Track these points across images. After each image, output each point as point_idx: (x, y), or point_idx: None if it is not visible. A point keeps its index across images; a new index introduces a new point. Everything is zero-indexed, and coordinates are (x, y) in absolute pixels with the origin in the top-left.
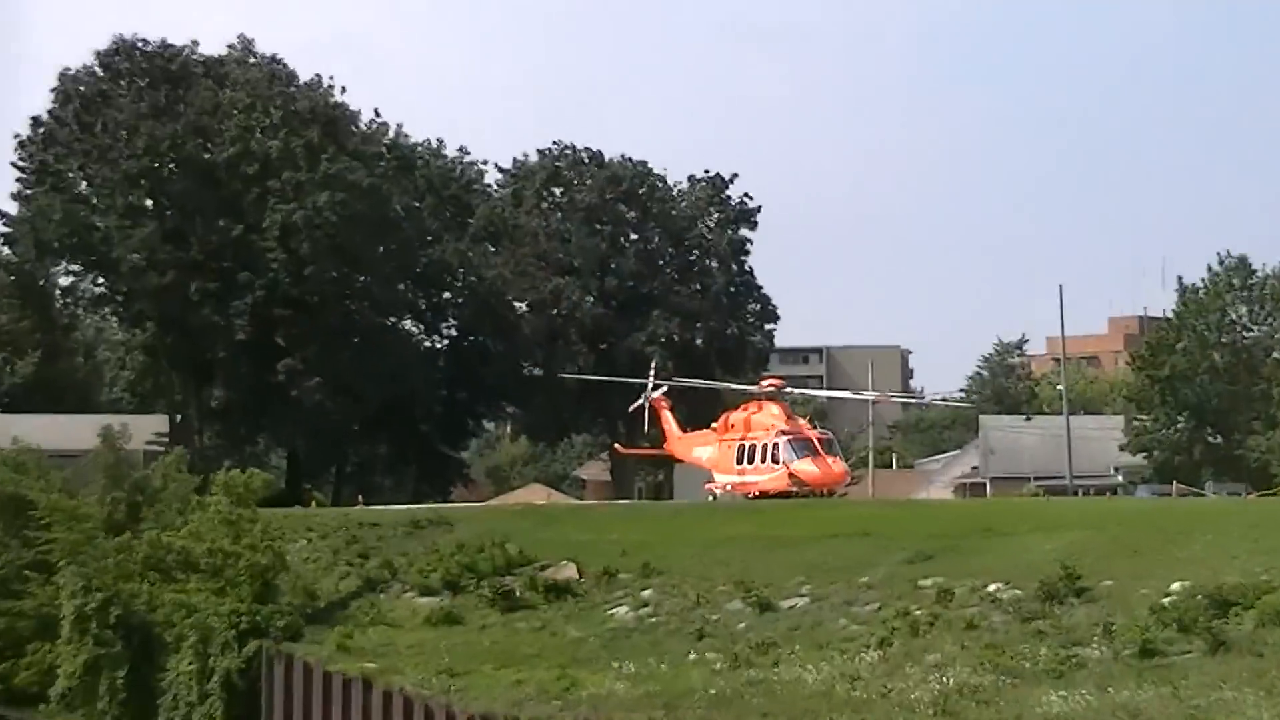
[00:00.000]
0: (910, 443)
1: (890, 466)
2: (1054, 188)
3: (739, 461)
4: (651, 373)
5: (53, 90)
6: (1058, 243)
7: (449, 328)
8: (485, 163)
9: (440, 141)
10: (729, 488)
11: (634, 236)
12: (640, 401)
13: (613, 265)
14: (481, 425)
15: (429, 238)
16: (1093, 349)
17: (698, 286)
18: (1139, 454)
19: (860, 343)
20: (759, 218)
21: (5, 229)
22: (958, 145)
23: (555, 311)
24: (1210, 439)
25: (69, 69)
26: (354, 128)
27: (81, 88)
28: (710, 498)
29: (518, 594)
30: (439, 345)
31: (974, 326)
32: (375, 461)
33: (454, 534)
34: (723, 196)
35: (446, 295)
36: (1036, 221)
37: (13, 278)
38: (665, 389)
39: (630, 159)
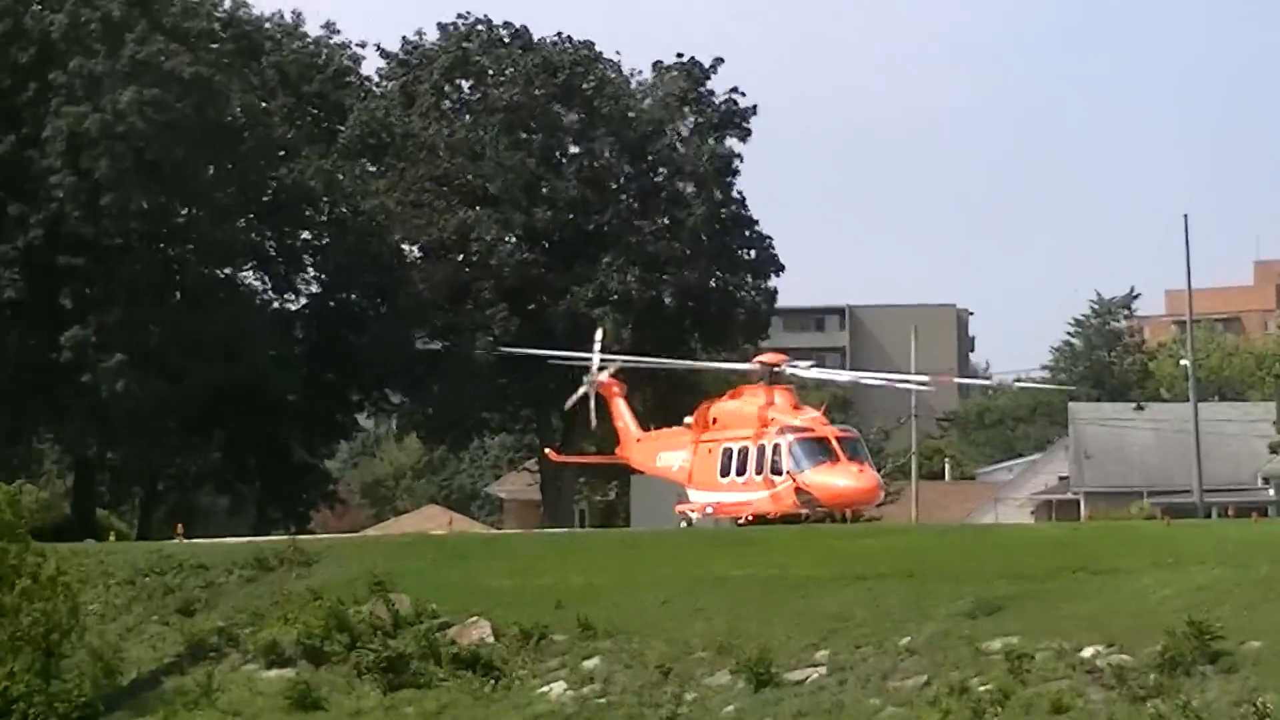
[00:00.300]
0: (971, 443)
1: (942, 477)
2: (1164, 94)
3: (724, 472)
4: (598, 345)
5: None
6: (1179, 163)
7: (309, 281)
8: (363, 45)
9: (298, 16)
10: (710, 509)
11: (575, 150)
12: (583, 389)
13: (545, 191)
14: (355, 422)
15: (281, 153)
16: (1233, 306)
17: (666, 221)
18: None
19: (898, 301)
20: (753, 123)
21: None
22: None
23: (462, 258)
24: None
25: None
26: None
27: None
28: (684, 523)
29: (407, 664)
30: (295, 307)
31: (1059, 279)
32: (203, 474)
33: (316, 577)
34: (701, 92)
35: (306, 235)
36: (1146, 137)
37: None
38: (619, 369)
39: (569, 39)
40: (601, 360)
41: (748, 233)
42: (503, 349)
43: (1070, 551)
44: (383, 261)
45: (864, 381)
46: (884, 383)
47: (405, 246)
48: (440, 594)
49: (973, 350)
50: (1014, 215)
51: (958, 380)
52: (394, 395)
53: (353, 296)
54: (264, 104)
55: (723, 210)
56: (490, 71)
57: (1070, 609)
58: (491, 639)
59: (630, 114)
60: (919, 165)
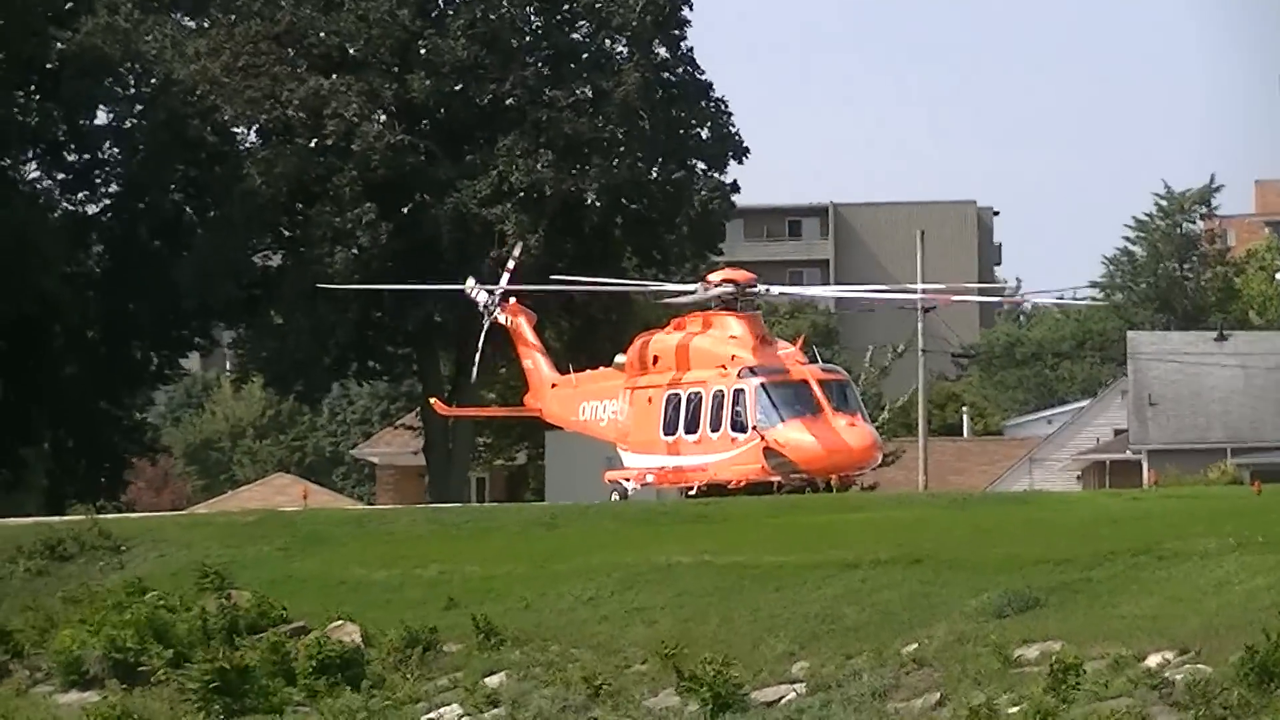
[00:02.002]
0: (998, 386)
1: (959, 432)
2: None
3: (670, 427)
4: (513, 260)
5: None
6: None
7: (109, 178)
8: None
9: None
10: (650, 477)
11: None
12: (484, 319)
13: (423, 52)
14: (175, 364)
15: (69, 4)
16: None
17: (588, 91)
18: None
19: (898, 198)
20: None
21: None
22: None
23: (314, 143)
24: None
25: None
26: None
27: None
28: (615, 495)
29: (251, 683)
30: (92, 211)
31: (1111, 170)
32: None
33: (128, 569)
34: None
35: (103, 116)
36: None
37: None
38: (525, 293)
39: None
40: (505, 285)
41: (699, 104)
42: (370, 277)
43: (1129, 529)
44: (206, 149)
45: (853, 298)
46: (880, 300)
47: (236, 129)
48: (293, 590)
49: (999, 263)
50: (1053, 88)
51: (977, 299)
52: (225, 329)
53: (167, 196)
54: None
55: (665, 75)
56: None
57: (1129, 605)
58: (361, 645)
59: None
60: (929, 19)
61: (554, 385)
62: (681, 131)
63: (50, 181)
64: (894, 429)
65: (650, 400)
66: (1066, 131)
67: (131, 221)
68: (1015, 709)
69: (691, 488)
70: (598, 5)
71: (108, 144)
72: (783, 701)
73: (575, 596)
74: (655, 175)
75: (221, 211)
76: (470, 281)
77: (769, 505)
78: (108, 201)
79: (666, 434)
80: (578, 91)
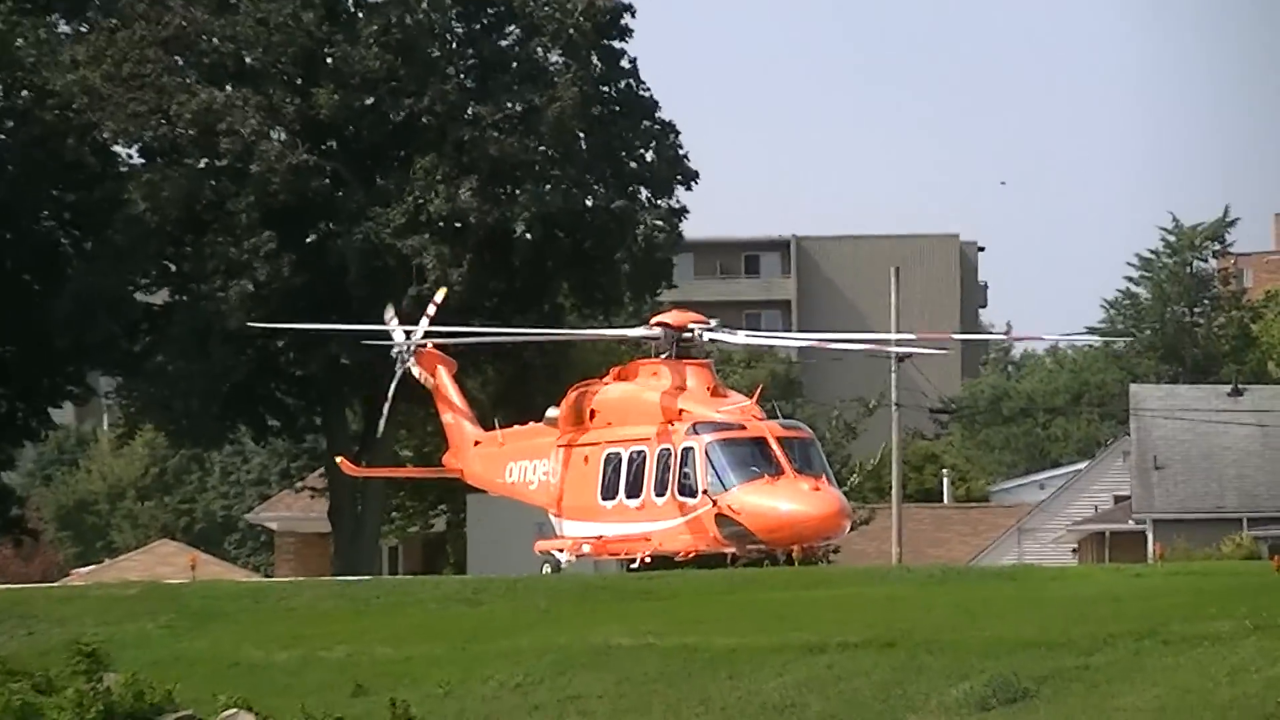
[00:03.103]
0: (982, 446)
1: (939, 497)
2: None
3: (609, 491)
4: (430, 306)
5: None
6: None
7: None
8: None
9: None
10: (587, 547)
11: None
12: (397, 368)
13: (330, 61)
14: (47, 418)
15: None
16: None
17: (517, 106)
18: None
19: (870, 230)
20: None
21: None
22: None
23: (205, 164)
24: None
25: None
26: None
27: None
28: (547, 567)
29: None
30: None
31: (1114, 203)
32: None
33: None
34: None
35: None
36: None
37: None
38: (444, 339)
39: None
40: (426, 328)
41: (642, 123)
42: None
43: (1131, 610)
44: (84, 170)
45: (818, 344)
46: (848, 348)
47: (118, 147)
48: (180, 673)
49: (984, 305)
50: (1046, 109)
51: (958, 336)
52: (105, 376)
53: (39, 224)
54: None
55: (604, 90)
56: None
57: (1131, 697)
58: None
59: None
60: (904, 27)
61: (477, 443)
62: (623, 154)
63: None
64: (864, 493)
65: (587, 460)
66: (1061, 158)
67: None
68: None
69: (634, 560)
70: (529, 9)
71: None
72: None
73: (501, 683)
74: (594, 203)
75: (101, 240)
76: (389, 312)
77: (722, 580)
78: None
79: (605, 498)
80: (506, 107)
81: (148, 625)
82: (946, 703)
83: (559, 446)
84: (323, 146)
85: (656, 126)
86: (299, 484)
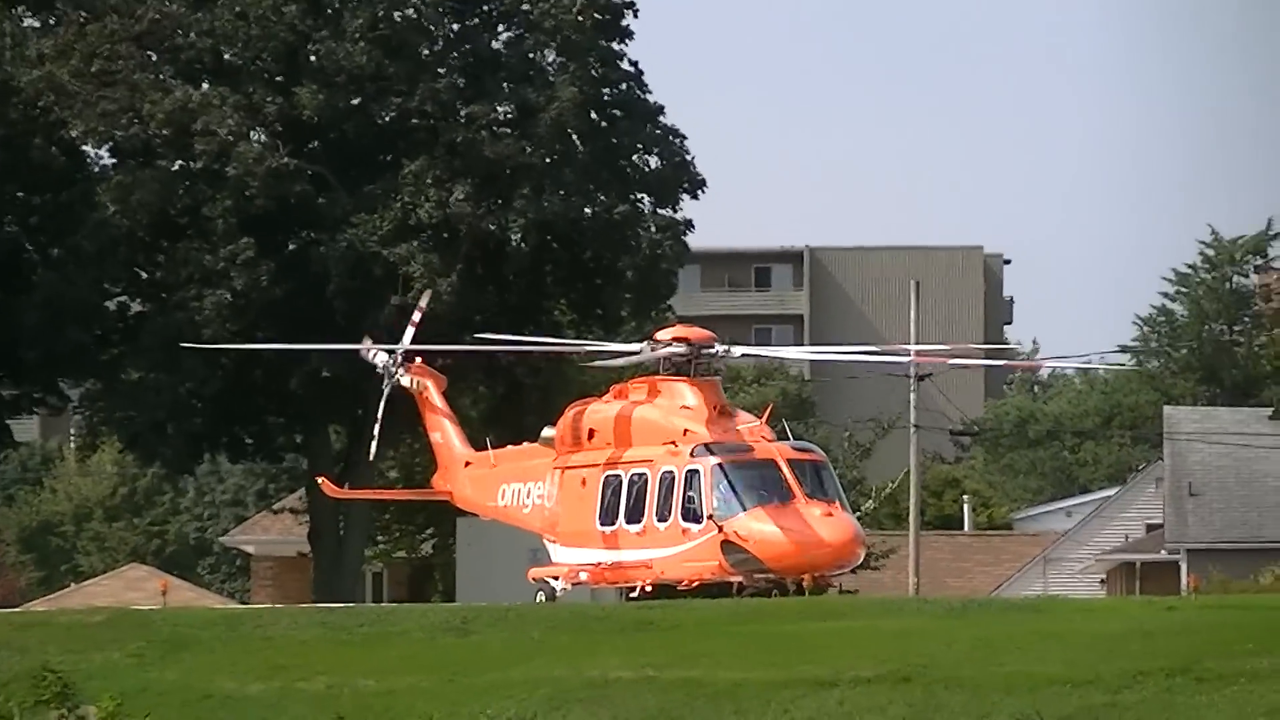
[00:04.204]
0: (1006, 470)
1: (959, 525)
2: None
3: (608, 516)
4: (415, 312)
5: None
6: None
7: None
8: None
9: None
10: (584, 574)
11: None
12: (384, 384)
13: (313, 59)
14: (8, 434)
15: None
16: None
17: (511, 109)
18: None
19: (888, 241)
20: None
21: None
22: None
23: (180, 166)
24: None
25: None
26: None
27: None
28: (541, 595)
29: None
30: None
31: (1150, 213)
32: None
33: None
34: None
35: None
36: None
37: None
38: (433, 353)
39: None
40: (411, 341)
41: (645, 126)
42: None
43: (1163, 645)
44: (51, 171)
45: (832, 361)
46: (860, 359)
47: (88, 147)
48: (149, 705)
49: (1010, 321)
50: (1076, 115)
51: (984, 362)
52: (70, 387)
53: (4, 228)
54: None
55: (605, 92)
56: None
57: None
58: None
59: None
60: (936, 37)
61: (468, 463)
62: (625, 159)
63: None
64: (880, 520)
65: (585, 482)
66: (1094, 165)
67: None
68: None
69: (634, 588)
70: (525, 6)
71: None
72: None
73: (491, 718)
74: (593, 210)
75: (69, 246)
76: (367, 342)
77: (727, 610)
78: None
79: (604, 523)
80: (500, 108)
81: (115, 654)
82: None
83: (555, 468)
84: (305, 148)
85: (660, 130)
86: (277, 505)
